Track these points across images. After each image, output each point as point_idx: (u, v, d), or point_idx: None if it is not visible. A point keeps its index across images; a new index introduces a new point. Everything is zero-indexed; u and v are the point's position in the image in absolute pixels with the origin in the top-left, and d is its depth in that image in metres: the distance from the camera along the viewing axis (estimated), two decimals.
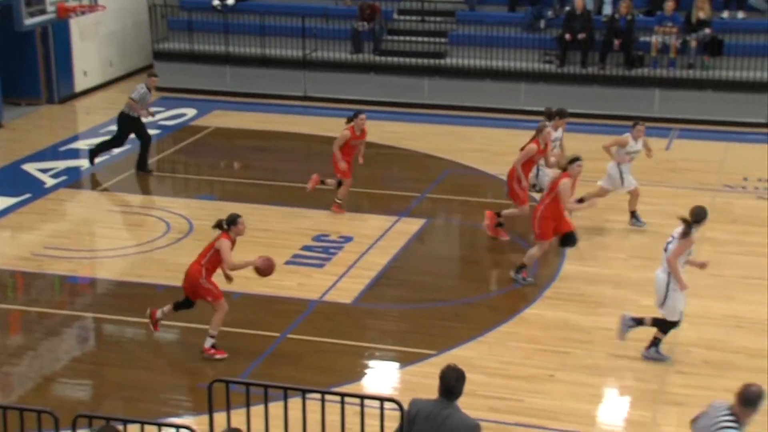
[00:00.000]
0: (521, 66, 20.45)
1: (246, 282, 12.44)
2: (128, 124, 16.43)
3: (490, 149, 17.62)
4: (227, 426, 7.54)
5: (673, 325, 10.36)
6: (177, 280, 11.00)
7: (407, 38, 21.62)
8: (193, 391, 9.95)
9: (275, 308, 11.75)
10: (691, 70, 19.88)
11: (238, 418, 7.70)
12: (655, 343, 10.37)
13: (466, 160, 17.14)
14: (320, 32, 21.46)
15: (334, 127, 19.33)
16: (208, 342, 10.55)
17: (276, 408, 7.75)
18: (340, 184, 14.69)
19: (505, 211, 13.68)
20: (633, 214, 14.10)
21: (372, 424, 7.45)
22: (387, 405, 7.43)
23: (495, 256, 13.62)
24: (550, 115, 14.22)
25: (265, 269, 10.61)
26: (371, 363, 10.53)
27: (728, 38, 19.95)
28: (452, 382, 6.60)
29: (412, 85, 20.81)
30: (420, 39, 21.51)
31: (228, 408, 7.54)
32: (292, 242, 13.63)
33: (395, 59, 21.15)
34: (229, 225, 10.59)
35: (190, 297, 10.65)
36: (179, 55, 21.92)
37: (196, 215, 14.69)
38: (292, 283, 12.36)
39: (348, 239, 13.74)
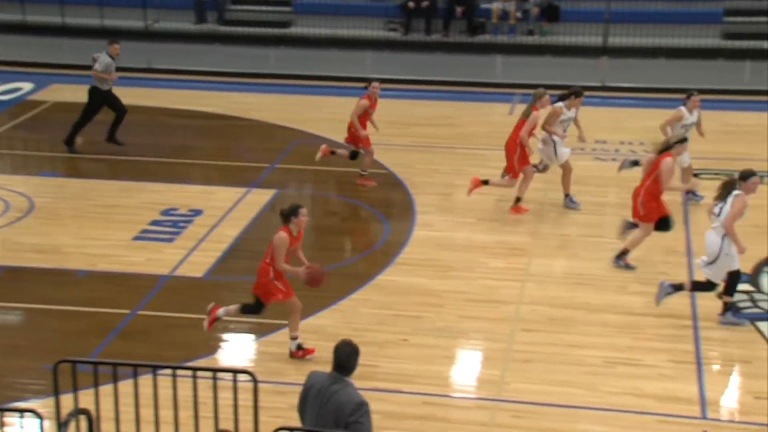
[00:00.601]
0: (366, 34, 20.52)
1: (92, 259, 12.11)
2: (100, 97, 15.73)
3: (339, 118, 17.61)
4: (74, 407, 7.37)
5: (714, 286, 10.45)
6: (19, 260, 10.62)
7: (252, 7, 21.40)
8: (39, 373, 9.64)
9: (124, 285, 11.50)
10: (530, 36, 20.39)
11: (86, 398, 7.51)
12: (729, 308, 10.47)
13: (315, 129, 17.12)
14: (162, 1, 20.97)
15: (180, 99, 19.06)
16: (294, 345, 9.92)
17: (126, 386, 7.60)
18: (353, 154, 14.54)
19: (493, 180, 13.55)
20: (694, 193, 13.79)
21: (226, 397, 7.40)
22: (241, 377, 7.40)
23: (348, 225, 13.71)
24: (563, 96, 13.72)
25: (311, 280, 9.64)
26: (225, 336, 10.45)
27: (564, 4, 20.54)
28: (344, 357, 6.56)
29: (258, 55, 20.61)
30: (264, 8, 21.32)
31: (75, 389, 7.35)
32: (140, 217, 13.35)
33: (240, 29, 20.90)
34: (289, 216, 9.62)
35: (261, 299, 9.83)
36: (11, 27, 21.06)
37: (37, 192, 14.21)
38: (141, 259, 12.12)
39: (197, 212, 13.55)
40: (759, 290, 11.08)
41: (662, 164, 11.44)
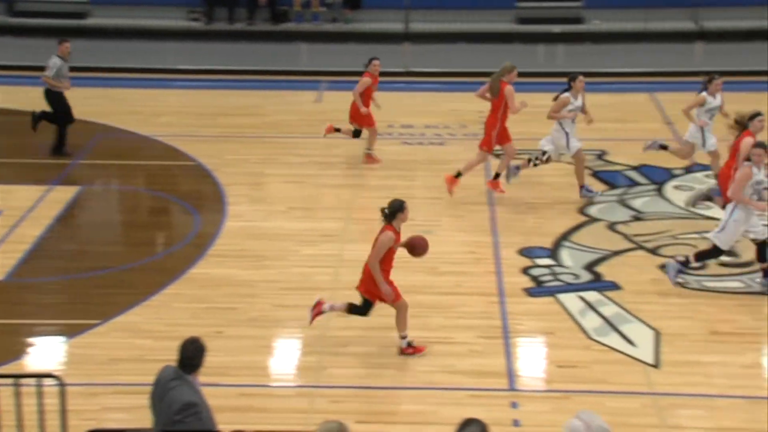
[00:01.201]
0: (167, 24, 20.13)
1: None
2: (56, 99, 14.66)
3: (144, 110, 17.27)
4: None
5: (720, 253, 10.66)
6: None
7: None
8: None
9: None
10: (334, 24, 20.54)
11: None
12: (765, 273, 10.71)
13: (118, 122, 16.67)
14: None
15: None
16: (404, 343, 9.68)
17: None
18: (356, 132, 14.62)
19: (465, 167, 13.38)
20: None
21: (30, 403, 7.14)
22: (46, 381, 7.15)
23: (157, 219, 13.46)
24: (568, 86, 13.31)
25: (417, 247, 9.67)
26: (30, 340, 10.07)
27: None
28: (187, 354, 6.51)
29: (53, 47, 19.82)
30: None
31: None
32: None
33: (33, 20, 20.07)
34: (395, 213, 9.39)
35: (369, 299, 9.60)
36: None
37: None
38: None
39: None
40: (559, 264, 11.59)
41: (743, 144, 11.39)
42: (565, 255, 11.79)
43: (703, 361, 9.53)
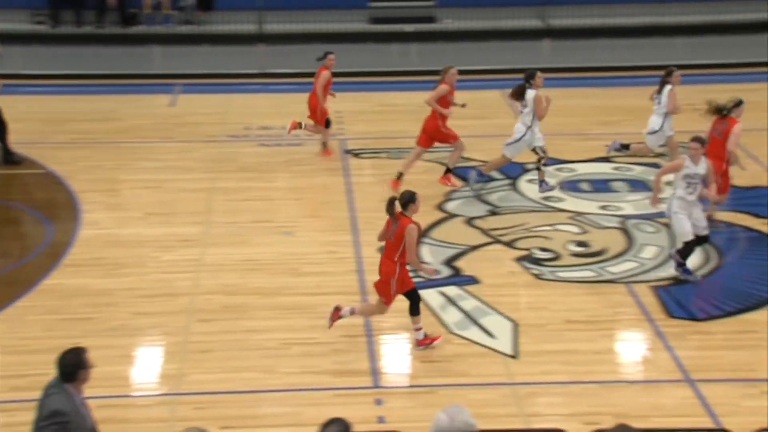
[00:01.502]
0: (10, 28, 19.47)
1: None
2: None
3: None
4: None
5: (691, 245, 10.73)
6: None
7: None
8: None
9: None
10: (187, 26, 20.27)
11: None
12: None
13: None
14: None
15: None
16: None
17: None
18: (327, 122, 14.83)
19: (450, 161, 13.55)
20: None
21: None
22: None
23: (5, 229, 12.98)
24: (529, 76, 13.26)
25: None
26: None
27: None
28: (63, 364, 6.58)
29: None
30: None
31: None
32: None
33: None
34: (408, 204, 9.33)
35: (384, 297, 9.65)
36: None
37: None
38: None
39: None
40: (420, 260, 11.72)
41: (733, 130, 11.92)
42: (425, 251, 11.95)
43: (559, 350, 9.83)
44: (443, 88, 13.18)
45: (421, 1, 21.77)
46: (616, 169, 14.22)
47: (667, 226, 12.29)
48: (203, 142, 15.89)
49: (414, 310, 9.68)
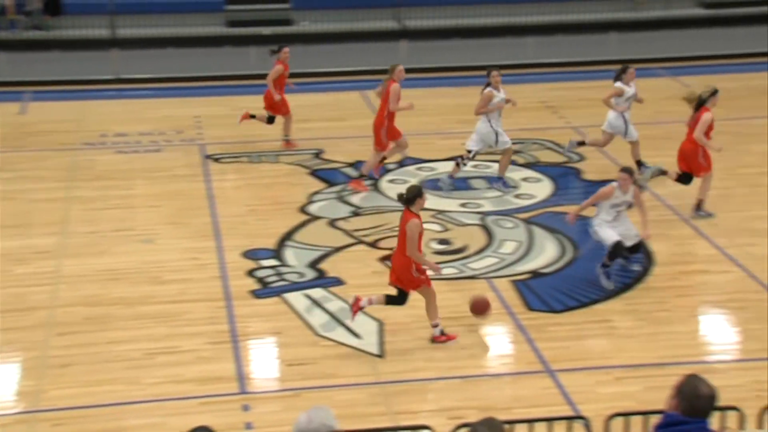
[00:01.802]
0: None
1: None
2: None
3: None
4: None
5: (617, 249, 10.83)
6: None
7: None
8: None
9: None
10: (36, 31, 19.66)
11: None
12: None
13: None
14: None
15: None
16: (437, 331, 9.76)
17: None
18: (270, 118, 14.93)
19: (387, 156, 13.73)
20: (640, 163, 13.80)
21: None
22: None
23: None
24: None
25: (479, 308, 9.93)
26: None
27: None
28: None
29: None
30: None
31: None
32: None
33: None
34: (414, 199, 9.25)
35: (402, 288, 9.60)
36: None
37: None
38: None
39: None
40: (284, 264, 11.71)
41: (702, 119, 12.31)
42: (290, 254, 11.93)
43: (425, 347, 9.95)
44: (397, 87, 13.28)
45: (276, 4, 21.68)
46: (475, 166, 14.49)
47: (526, 221, 12.65)
48: (57, 150, 15.45)
49: (392, 300, 9.80)
